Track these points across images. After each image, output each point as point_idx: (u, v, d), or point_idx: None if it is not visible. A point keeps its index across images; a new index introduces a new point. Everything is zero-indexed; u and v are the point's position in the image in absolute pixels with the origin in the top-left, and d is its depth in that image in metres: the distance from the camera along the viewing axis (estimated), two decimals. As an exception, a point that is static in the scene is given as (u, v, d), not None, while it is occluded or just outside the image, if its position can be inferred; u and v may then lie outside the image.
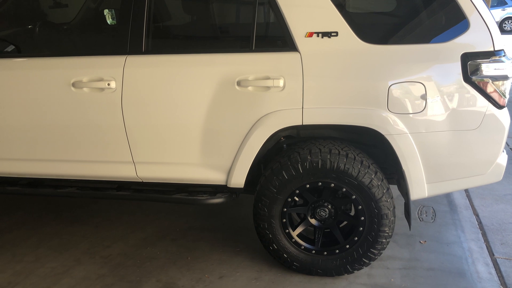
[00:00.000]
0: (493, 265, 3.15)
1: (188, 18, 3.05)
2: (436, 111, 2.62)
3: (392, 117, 2.61)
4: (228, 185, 2.89)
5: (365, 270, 3.01)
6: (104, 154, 2.94)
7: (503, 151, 2.82)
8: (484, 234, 3.53)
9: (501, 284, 2.95)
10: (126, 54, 2.79)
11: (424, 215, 3.76)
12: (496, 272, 3.07)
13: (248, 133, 2.72)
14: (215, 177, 2.89)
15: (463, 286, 2.90)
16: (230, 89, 2.69)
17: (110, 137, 2.88)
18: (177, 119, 2.77)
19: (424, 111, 2.60)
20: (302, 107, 2.65)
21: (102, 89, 2.79)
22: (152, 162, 2.91)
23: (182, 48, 2.84)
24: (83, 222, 3.72)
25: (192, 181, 2.95)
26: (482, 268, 3.09)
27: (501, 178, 2.81)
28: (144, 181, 3.01)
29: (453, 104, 2.61)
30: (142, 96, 2.77)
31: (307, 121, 2.66)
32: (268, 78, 2.65)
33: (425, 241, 3.39)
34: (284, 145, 2.97)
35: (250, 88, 2.68)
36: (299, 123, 2.67)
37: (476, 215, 3.82)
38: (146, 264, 3.15)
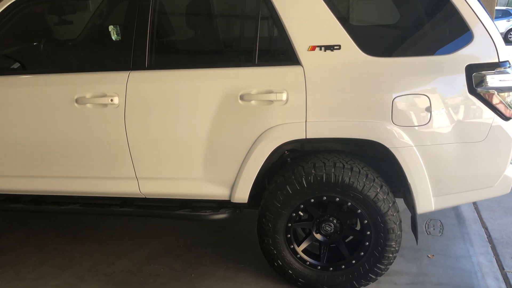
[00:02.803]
0: (503, 279, 3.08)
1: (191, 33, 3.06)
2: (441, 123, 2.59)
3: (397, 130, 2.58)
4: (231, 200, 2.86)
5: (372, 285, 2.95)
6: (107, 170, 2.93)
7: (511, 163, 2.78)
8: (493, 248, 3.46)
9: (512, 299, 2.89)
10: (129, 70, 2.79)
11: (432, 229, 3.70)
12: (507, 287, 3.00)
13: (251, 147, 2.70)
14: (218, 192, 2.86)
15: (473, 302, 2.84)
16: (233, 103, 2.68)
17: (113, 153, 2.87)
18: (180, 134, 2.76)
19: (429, 124, 2.57)
20: (306, 121, 2.63)
21: (105, 105, 2.79)
22: (155, 178, 2.89)
23: (185, 63, 2.84)
24: (87, 238, 3.70)
25: (195, 196, 2.93)
26: (492, 282, 3.02)
27: (509, 190, 2.76)
28: (147, 197, 2.99)
29: (459, 116, 2.58)
30: (145, 112, 2.77)
31: (311, 135, 2.64)
32: (271, 92, 2.64)
33: (433, 255, 3.33)
34: (288, 159, 2.94)
35: (253, 102, 2.66)
36: (302, 136, 2.65)
37: (485, 228, 3.75)
38: (150, 281, 3.11)
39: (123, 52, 2.82)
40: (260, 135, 2.68)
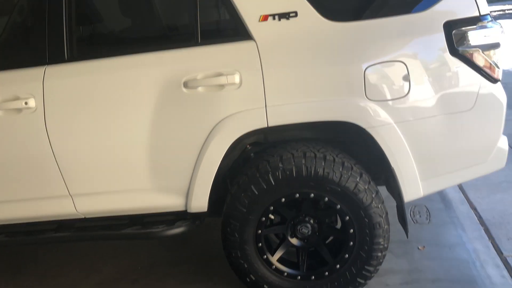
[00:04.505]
0: (504, 265, 2.74)
1: (119, 13, 2.58)
2: (422, 93, 2.22)
3: (372, 106, 2.19)
4: (188, 211, 2.39)
5: (361, 290, 2.54)
6: (33, 190, 2.41)
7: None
8: (487, 230, 3.12)
9: (519, 287, 2.54)
10: (45, 65, 2.28)
11: (418, 216, 3.34)
12: (510, 274, 2.66)
13: (203, 144, 2.25)
14: (171, 202, 2.40)
15: (477, 297, 2.48)
16: (176, 93, 2.22)
17: (37, 168, 2.35)
18: (116, 137, 2.28)
19: (408, 95, 2.20)
20: (265, 106, 2.20)
21: (19, 110, 2.27)
22: (93, 193, 2.39)
23: (115, 50, 2.35)
24: (26, 273, 3.13)
25: (144, 210, 2.45)
26: (493, 271, 2.68)
27: (504, 164, 2.42)
28: (87, 216, 2.48)
29: (441, 83, 2.22)
30: (69, 114, 2.27)
31: (273, 122, 2.21)
32: (220, 74, 2.19)
33: (424, 246, 2.96)
34: (252, 154, 2.50)
35: (200, 89, 2.21)
36: (263, 125, 2.22)
37: (474, 209, 3.42)
38: (102, 316, 2.60)
39: (36, 44, 2.31)
40: (212, 129, 2.23)
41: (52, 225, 2.54)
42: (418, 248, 2.95)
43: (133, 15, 2.60)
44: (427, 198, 3.51)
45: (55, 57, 2.28)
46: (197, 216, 2.46)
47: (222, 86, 2.20)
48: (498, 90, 2.28)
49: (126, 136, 2.27)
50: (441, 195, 3.60)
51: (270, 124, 2.21)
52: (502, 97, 2.29)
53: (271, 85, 2.19)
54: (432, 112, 2.23)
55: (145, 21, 2.58)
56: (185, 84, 2.21)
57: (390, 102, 2.20)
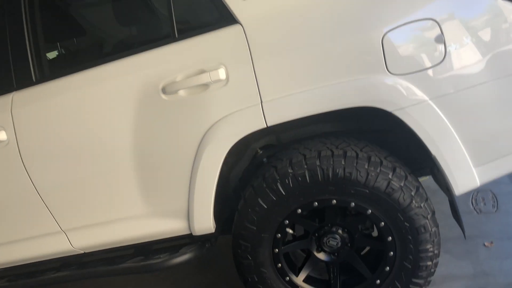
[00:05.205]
0: None
1: (87, 21, 2.28)
2: (463, 56, 1.73)
3: (397, 82, 1.72)
4: (193, 234, 2.05)
5: (415, 306, 2.07)
6: (25, 229, 2.17)
7: None
8: None
9: None
10: (12, 91, 2.03)
11: (482, 204, 2.78)
12: None
13: (195, 157, 1.89)
14: (172, 227, 2.06)
15: None
16: (155, 101, 1.87)
17: (24, 205, 2.11)
18: (97, 161, 1.98)
19: (445, 61, 1.71)
20: (261, 102, 1.80)
21: (-8, 145, 2.03)
22: (85, 226, 2.11)
23: (85, 62, 2.03)
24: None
25: (147, 238, 2.13)
26: None
27: None
28: (86, 251, 2.21)
29: (488, 40, 1.72)
30: (43, 142, 2.00)
31: (272, 120, 1.81)
32: (202, 71, 1.82)
33: (492, 242, 2.42)
34: (264, 159, 2.11)
35: (181, 92, 1.85)
36: (261, 125, 1.81)
37: (555, 185, 2.81)
38: None
39: (0, 70, 2.05)
40: (202, 138, 1.86)
41: (56, 264, 2.31)
42: (484, 245, 2.42)
43: (101, 22, 2.28)
44: (493, 181, 2.93)
45: (22, 81, 2.01)
46: (206, 238, 2.11)
47: (206, 85, 1.82)
48: None
49: (108, 158, 1.96)
50: (511, 176, 2.99)
51: (270, 123, 1.80)
52: None
53: (265, 75, 1.79)
54: (479, 79, 1.73)
55: (114, 26, 2.25)
56: (164, 90, 1.86)
57: (421, 73, 1.72)
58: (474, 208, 2.74)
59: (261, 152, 2.14)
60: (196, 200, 1.94)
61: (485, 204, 2.75)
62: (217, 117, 1.83)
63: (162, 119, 1.88)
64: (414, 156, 1.98)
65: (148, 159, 1.94)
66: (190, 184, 1.93)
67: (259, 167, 2.09)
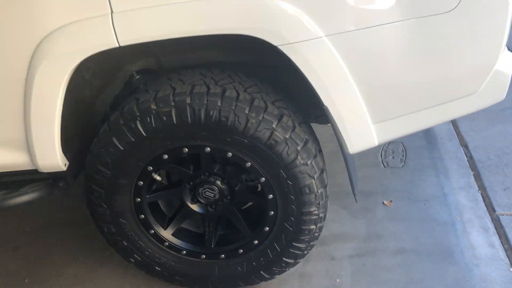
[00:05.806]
0: (495, 228, 2.04)
1: None
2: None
3: (287, 8, 1.34)
4: (39, 170, 1.67)
5: (296, 267, 1.88)
6: None
7: (505, 48, 1.59)
8: (477, 177, 2.39)
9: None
10: None
11: (391, 157, 2.59)
12: (502, 242, 1.96)
13: (28, 75, 1.45)
14: (13, 160, 1.66)
15: (452, 278, 1.80)
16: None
17: None
18: None
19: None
20: (111, 12, 1.36)
21: None
22: None
23: None
24: None
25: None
26: (479, 238, 1.99)
27: (504, 96, 1.60)
28: None
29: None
30: None
31: (125, 39, 1.38)
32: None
33: (391, 201, 2.25)
34: (140, 86, 1.72)
35: (7, -12, 1.37)
36: (112, 44, 1.39)
37: (465, 146, 2.65)
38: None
39: None
40: (33, 53, 1.41)
41: None
42: (384, 203, 2.24)
43: None
44: (406, 132, 2.74)
45: None
46: (59, 176, 1.73)
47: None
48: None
49: None
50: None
51: (122, 43, 1.38)
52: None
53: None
54: (388, 17, 1.39)
55: None
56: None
57: (315, 2, 1.35)
58: (382, 161, 2.55)
59: (137, 76, 1.77)
60: (34, 130, 1.53)
61: (393, 157, 2.56)
62: (52, 26, 1.38)
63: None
64: (313, 101, 1.67)
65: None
66: (24, 111, 1.51)
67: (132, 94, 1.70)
